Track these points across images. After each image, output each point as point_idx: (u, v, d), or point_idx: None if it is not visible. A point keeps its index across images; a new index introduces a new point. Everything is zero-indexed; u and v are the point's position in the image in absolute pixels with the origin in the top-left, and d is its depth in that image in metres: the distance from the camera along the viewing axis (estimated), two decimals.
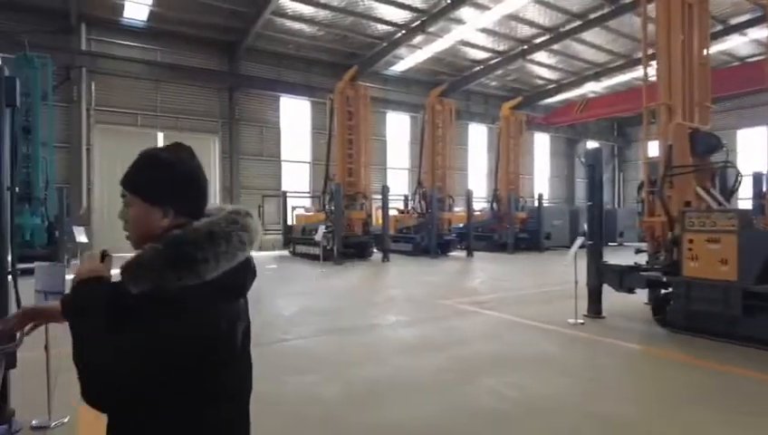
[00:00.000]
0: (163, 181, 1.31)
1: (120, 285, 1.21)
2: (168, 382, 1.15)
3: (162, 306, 1.15)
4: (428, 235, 18.65)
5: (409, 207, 21.72)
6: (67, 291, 1.30)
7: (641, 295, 8.05)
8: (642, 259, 7.98)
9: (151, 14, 18.57)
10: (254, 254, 1.39)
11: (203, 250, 1.20)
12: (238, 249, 1.26)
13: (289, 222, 20.72)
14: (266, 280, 12.95)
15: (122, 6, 17.99)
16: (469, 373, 5.17)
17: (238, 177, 21.69)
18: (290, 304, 9.21)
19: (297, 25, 20.19)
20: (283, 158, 23.36)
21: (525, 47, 22.16)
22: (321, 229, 15.29)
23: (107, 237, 18.42)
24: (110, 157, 19.05)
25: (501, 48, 22.79)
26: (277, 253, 19.62)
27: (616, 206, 33.37)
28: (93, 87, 18.73)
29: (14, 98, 4.01)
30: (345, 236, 16.75)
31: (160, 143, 20.23)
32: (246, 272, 1.34)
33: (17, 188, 13.30)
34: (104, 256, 1.33)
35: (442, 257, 18.38)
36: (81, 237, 13.35)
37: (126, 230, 1.33)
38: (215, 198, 21.36)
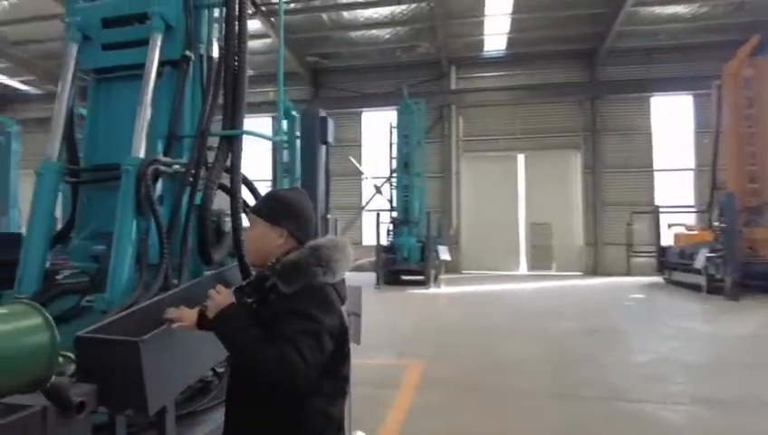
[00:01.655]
0: (280, 210, 1.74)
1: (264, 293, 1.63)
2: (322, 365, 1.53)
3: (313, 299, 1.55)
4: None
5: None
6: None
7: None
8: None
9: (509, 42, 19.30)
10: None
11: (335, 253, 1.63)
12: (349, 259, 1.68)
13: (664, 242, 17.30)
14: (626, 312, 10.97)
15: (483, 42, 19.41)
16: None
17: (601, 192, 19.77)
18: (650, 348, 7.29)
19: (669, 9, 17.08)
20: (655, 167, 19.96)
21: None
22: (704, 253, 11.95)
23: (473, 255, 19.99)
24: (475, 181, 20.66)
25: None
26: (647, 280, 16.62)
27: None
28: (461, 120, 20.80)
29: (326, 136, 4.40)
30: (744, 262, 12.55)
31: (521, 164, 20.68)
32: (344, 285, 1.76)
33: (396, 214, 15.93)
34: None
35: None
36: (445, 256, 14.70)
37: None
38: (578, 216, 20.13)
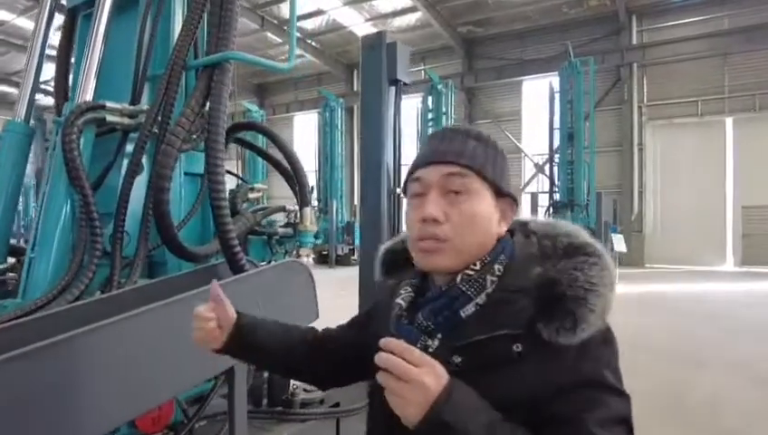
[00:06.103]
0: (505, 168, 0.92)
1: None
2: None
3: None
4: None
5: None
6: None
7: None
8: None
9: None
10: None
11: None
12: None
13: None
14: None
15: None
16: None
17: None
18: None
19: None
20: None
21: None
22: None
23: (660, 246, 16.56)
24: (665, 155, 17.05)
25: None
26: None
27: None
28: (645, 82, 17.27)
29: (396, 72, 3.20)
30: None
31: (729, 131, 16.48)
32: None
33: (558, 195, 13.70)
34: None
35: None
36: (620, 246, 12.16)
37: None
38: None
